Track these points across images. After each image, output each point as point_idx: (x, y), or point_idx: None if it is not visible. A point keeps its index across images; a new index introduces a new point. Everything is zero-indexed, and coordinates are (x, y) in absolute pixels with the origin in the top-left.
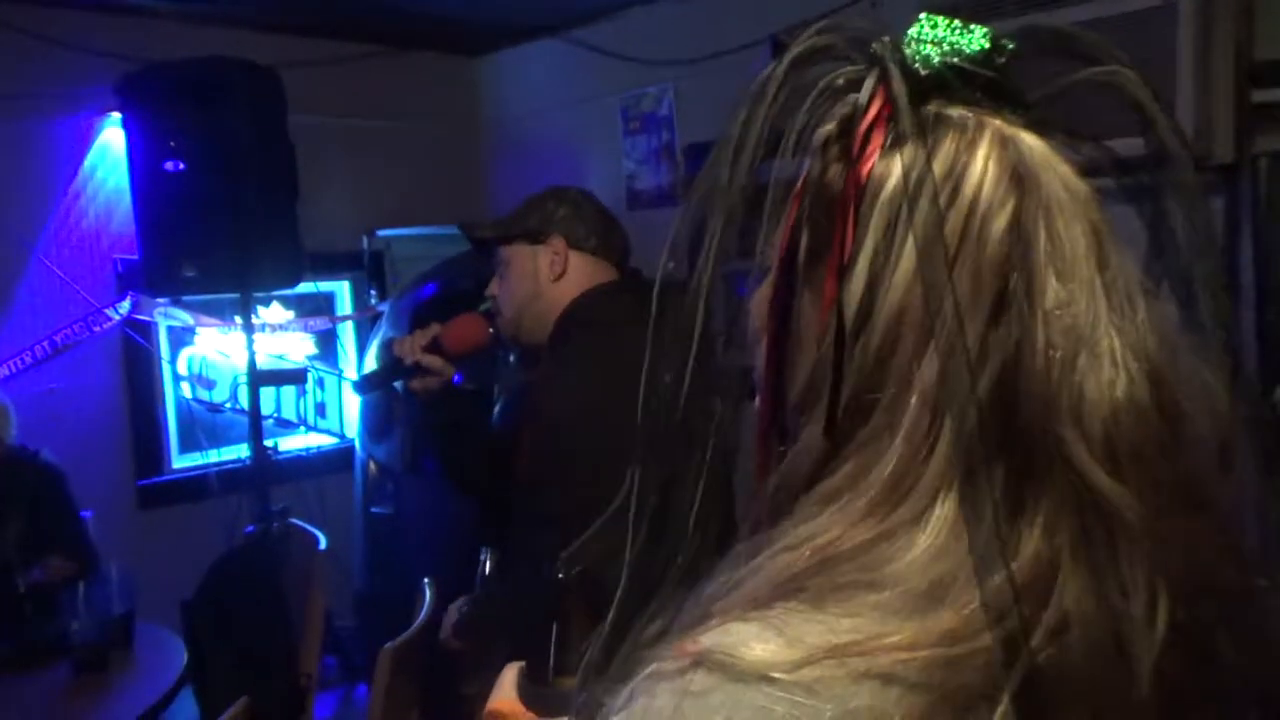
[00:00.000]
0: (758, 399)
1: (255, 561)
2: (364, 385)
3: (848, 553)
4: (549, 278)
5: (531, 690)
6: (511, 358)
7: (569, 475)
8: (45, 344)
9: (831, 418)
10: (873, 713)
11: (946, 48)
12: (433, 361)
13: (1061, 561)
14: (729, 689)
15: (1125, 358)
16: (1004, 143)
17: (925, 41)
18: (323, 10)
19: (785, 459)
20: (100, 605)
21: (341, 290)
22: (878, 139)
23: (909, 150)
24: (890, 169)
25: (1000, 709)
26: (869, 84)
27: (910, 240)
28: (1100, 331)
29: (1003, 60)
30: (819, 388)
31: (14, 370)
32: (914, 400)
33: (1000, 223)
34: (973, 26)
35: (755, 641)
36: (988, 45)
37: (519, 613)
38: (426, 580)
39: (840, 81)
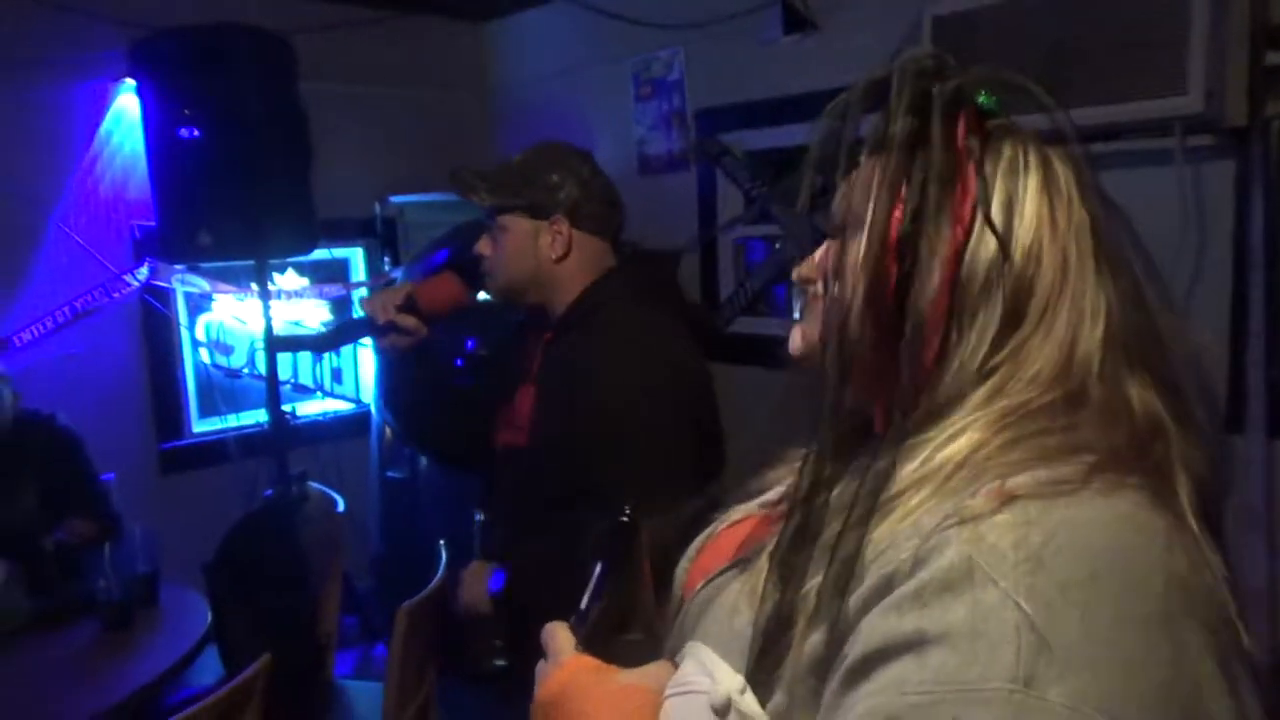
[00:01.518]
0: (878, 324)
1: (275, 523)
2: (325, 342)
3: (1040, 409)
4: (549, 257)
5: (606, 642)
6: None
7: (625, 459)
8: (65, 310)
9: (1008, 314)
10: (1146, 499)
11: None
12: (407, 321)
13: (1164, 417)
14: (1060, 506)
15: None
16: (1045, 158)
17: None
18: None
19: (947, 362)
20: (125, 565)
21: (355, 257)
22: (978, 132)
23: (1011, 141)
24: (1002, 150)
25: (1184, 493)
26: (969, 99)
27: (1029, 199)
28: (1144, 290)
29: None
30: (971, 300)
31: (35, 336)
32: (1064, 312)
33: (1087, 205)
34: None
35: (1041, 476)
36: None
37: (559, 583)
38: (441, 542)
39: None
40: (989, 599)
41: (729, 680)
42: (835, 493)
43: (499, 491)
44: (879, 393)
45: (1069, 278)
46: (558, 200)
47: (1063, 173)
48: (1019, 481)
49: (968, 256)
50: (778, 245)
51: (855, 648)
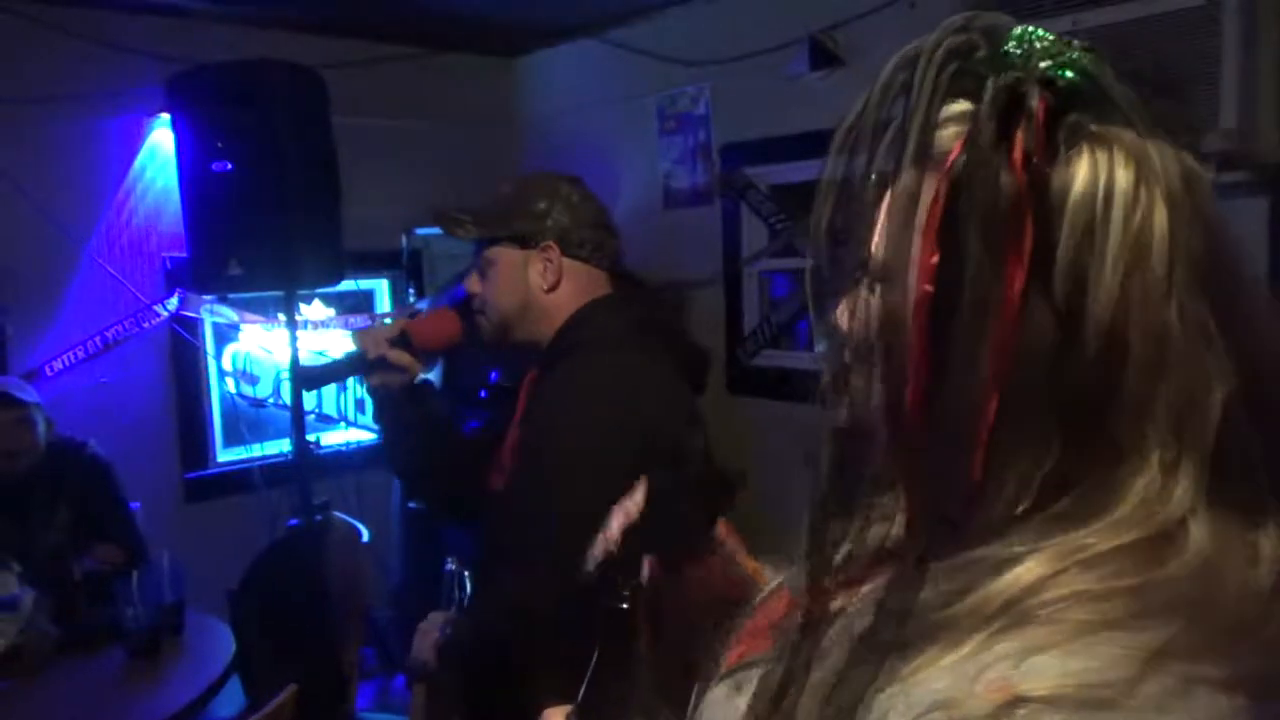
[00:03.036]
0: (899, 408)
1: (299, 553)
2: (312, 379)
3: (1113, 553)
4: (541, 286)
5: None
6: None
7: (568, 505)
8: (96, 339)
9: (1077, 417)
10: (1229, 706)
11: (1064, 61)
12: (400, 357)
13: None
14: None
15: None
16: (1144, 154)
17: (1045, 54)
18: (363, 12)
19: (994, 476)
20: (152, 593)
21: (380, 288)
22: (1045, 145)
23: (1089, 156)
24: (1074, 174)
25: None
26: (1033, 93)
27: (1111, 247)
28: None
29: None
30: (1027, 398)
31: (67, 365)
32: (1160, 411)
33: (1200, 242)
34: (1073, 42)
35: (1072, 667)
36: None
37: (495, 642)
38: (466, 574)
39: (1000, 92)
40: None
41: None
42: (839, 626)
43: (478, 538)
44: (910, 494)
45: (1167, 360)
46: (545, 227)
47: (1169, 192)
48: (1037, 670)
49: (1023, 337)
50: (803, 278)
51: None
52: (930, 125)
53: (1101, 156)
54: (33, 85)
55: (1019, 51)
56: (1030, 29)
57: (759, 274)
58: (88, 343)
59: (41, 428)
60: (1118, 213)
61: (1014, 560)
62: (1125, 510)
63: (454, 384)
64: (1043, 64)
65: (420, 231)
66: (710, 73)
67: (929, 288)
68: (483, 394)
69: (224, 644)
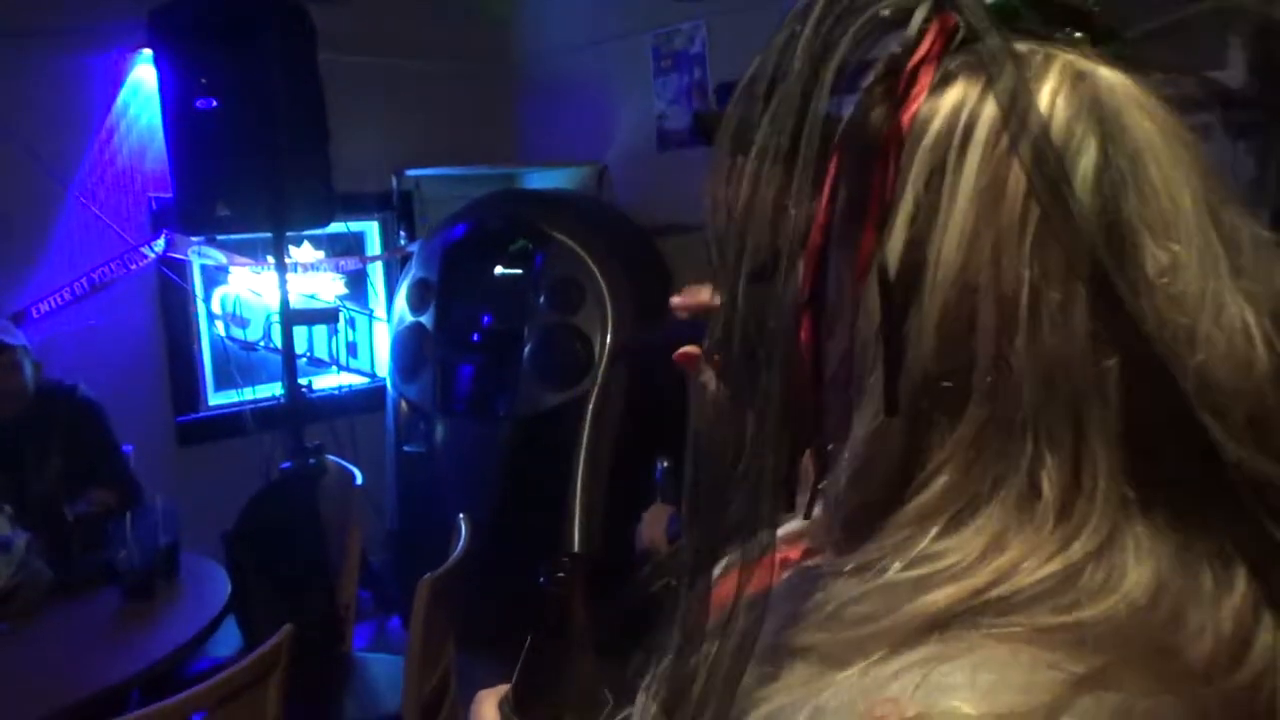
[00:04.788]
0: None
1: (294, 495)
2: None
3: (1027, 589)
4: None
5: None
6: (542, 299)
7: None
8: (83, 281)
9: (891, 399)
10: None
11: None
12: None
13: (1260, 611)
14: None
15: (1262, 327)
16: (1077, 77)
17: None
18: None
19: (851, 459)
20: (146, 535)
21: (371, 231)
22: (926, 77)
23: (961, 86)
24: (936, 108)
25: None
26: (920, 13)
27: (962, 192)
28: (1225, 298)
29: None
30: (865, 365)
31: (53, 308)
32: (1031, 390)
33: (1080, 173)
34: None
35: (982, 682)
36: None
37: None
38: (461, 516)
39: (886, 13)
40: None
41: None
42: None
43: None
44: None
45: (1019, 319)
46: None
47: (1042, 129)
48: (941, 687)
49: (867, 288)
50: None
51: None
52: (803, 56)
53: (972, 89)
54: (8, 19)
55: None
56: None
57: None
58: (75, 284)
59: (29, 371)
60: (974, 153)
61: (919, 585)
62: (1048, 517)
63: (446, 328)
64: None
65: (411, 173)
66: (707, 9)
67: (816, 242)
68: (475, 338)
69: (219, 586)
